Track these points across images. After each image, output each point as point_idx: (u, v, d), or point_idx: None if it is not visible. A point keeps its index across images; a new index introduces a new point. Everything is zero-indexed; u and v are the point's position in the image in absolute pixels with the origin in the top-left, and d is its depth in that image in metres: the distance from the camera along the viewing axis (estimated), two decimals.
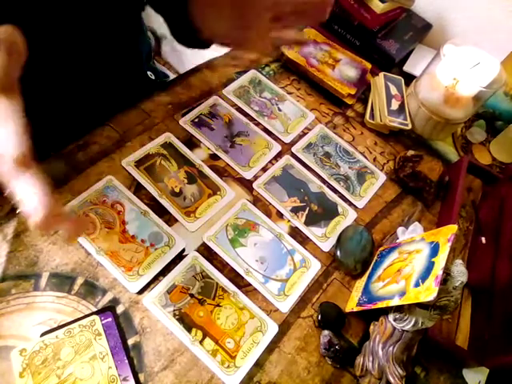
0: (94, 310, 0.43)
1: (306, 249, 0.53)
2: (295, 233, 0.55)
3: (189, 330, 0.44)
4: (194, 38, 0.47)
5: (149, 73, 0.69)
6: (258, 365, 0.44)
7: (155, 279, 0.46)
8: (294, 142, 0.63)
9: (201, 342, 0.44)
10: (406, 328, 0.43)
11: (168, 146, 0.57)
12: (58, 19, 0.45)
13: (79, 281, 0.44)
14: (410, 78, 0.74)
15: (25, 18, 0.42)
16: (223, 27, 0.43)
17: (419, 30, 0.81)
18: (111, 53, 0.55)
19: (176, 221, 0.51)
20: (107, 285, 0.45)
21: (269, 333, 0.46)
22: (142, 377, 0.41)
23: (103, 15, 0.50)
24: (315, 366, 0.46)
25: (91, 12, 0.48)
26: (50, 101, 0.52)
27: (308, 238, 0.54)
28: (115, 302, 0.44)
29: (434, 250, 0.43)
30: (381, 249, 0.54)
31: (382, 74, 0.72)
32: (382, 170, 0.64)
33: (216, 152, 0.58)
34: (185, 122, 0.60)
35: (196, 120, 0.60)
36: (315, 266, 0.52)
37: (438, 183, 0.62)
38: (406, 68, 0.78)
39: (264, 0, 0.39)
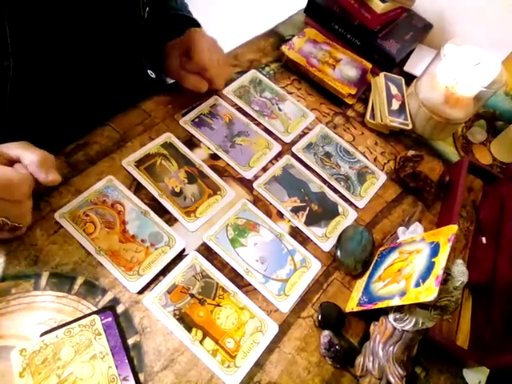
0: (94, 309, 0.43)
1: (306, 249, 0.53)
2: (295, 233, 0.54)
3: (189, 329, 0.44)
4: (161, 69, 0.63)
5: (149, 71, 0.69)
6: (258, 365, 0.44)
7: (155, 279, 0.46)
8: (294, 142, 0.63)
9: (201, 342, 0.44)
10: (407, 328, 0.43)
11: (168, 145, 0.57)
12: (60, 20, 0.45)
13: (79, 280, 0.44)
14: (410, 78, 0.74)
15: (27, 16, 0.42)
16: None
17: (420, 30, 0.80)
18: (112, 51, 0.55)
19: (176, 221, 0.51)
20: (107, 284, 0.45)
21: (269, 333, 0.46)
22: (141, 376, 0.41)
23: (104, 14, 0.50)
24: (315, 366, 0.46)
25: (93, 12, 0.48)
26: (51, 100, 0.52)
27: (308, 238, 0.54)
28: (115, 301, 0.44)
29: (435, 250, 0.43)
30: (381, 249, 0.54)
31: (382, 74, 0.72)
32: (382, 170, 0.64)
33: (216, 152, 0.58)
34: (185, 121, 0.60)
35: (196, 120, 0.60)
36: (315, 266, 0.52)
37: (438, 183, 0.62)
38: (407, 68, 0.78)
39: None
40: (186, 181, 0.54)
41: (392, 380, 0.43)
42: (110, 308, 0.43)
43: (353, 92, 0.69)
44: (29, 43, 0.44)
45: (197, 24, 0.66)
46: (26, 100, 0.49)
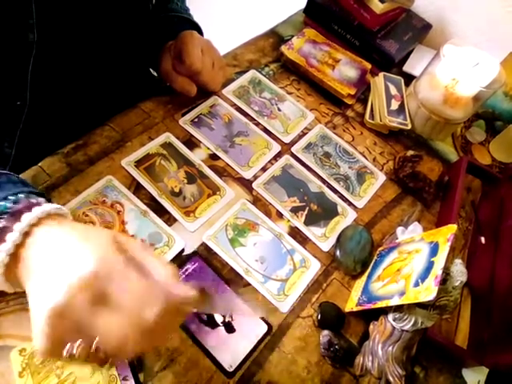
0: None
1: (305, 249, 0.53)
2: (295, 233, 0.55)
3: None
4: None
5: (151, 69, 0.69)
6: (258, 365, 0.44)
7: None
8: (293, 142, 0.63)
9: None
10: (406, 328, 0.43)
11: (168, 145, 0.57)
12: (64, 20, 0.45)
13: None
14: (409, 78, 0.74)
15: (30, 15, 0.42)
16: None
17: (419, 30, 0.81)
18: (119, 44, 0.54)
19: (175, 221, 0.51)
20: None
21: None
22: (141, 376, 0.41)
23: (109, 13, 0.50)
24: (315, 366, 0.46)
25: (97, 11, 0.48)
26: (51, 100, 0.52)
27: (308, 237, 0.54)
28: None
29: (434, 249, 0.43)
30: (380, 249, 0.54)
31: (381, 74, 0.72)
32: (381, 170, 0.64)
33: (216, 152, 0.58)
34: (185, 121, 0.60)
35: (196, 120, 0.60)
36: (315, 266, 0.52)
37: (437, 183, 0.62)
38: (406, 68, 0.78)
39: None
40: (186, 181, 0.54)
41: (391, 379, 0.43)
42: None
43: (352, 92, 0.69)
44: (52, 28, 0.44)
45: (196, 26, 0.65)
46: (27, 97, 0.48)
